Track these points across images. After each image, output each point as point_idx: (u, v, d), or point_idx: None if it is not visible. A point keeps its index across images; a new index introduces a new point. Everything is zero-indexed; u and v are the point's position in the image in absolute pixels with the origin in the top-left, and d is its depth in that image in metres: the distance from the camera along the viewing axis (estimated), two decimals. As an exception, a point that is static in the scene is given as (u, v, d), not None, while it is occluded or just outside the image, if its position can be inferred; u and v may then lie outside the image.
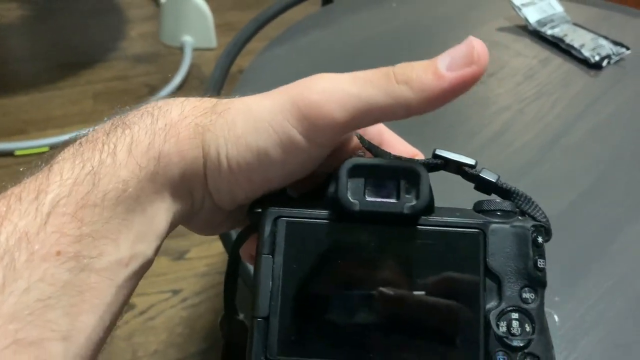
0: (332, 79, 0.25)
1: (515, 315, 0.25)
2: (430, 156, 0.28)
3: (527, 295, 0.25)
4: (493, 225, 0.26)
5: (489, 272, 0.25)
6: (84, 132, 0.25)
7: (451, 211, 0.26)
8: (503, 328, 0.24)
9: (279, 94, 0.25)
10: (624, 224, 0.58)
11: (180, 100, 0.27)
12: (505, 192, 0.28)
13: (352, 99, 0.24)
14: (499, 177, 0.28)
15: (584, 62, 0.84)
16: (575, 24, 0.91)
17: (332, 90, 0.24)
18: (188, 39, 1.80)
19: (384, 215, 0.25)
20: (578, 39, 0.87)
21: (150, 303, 1.12)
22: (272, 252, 0.25)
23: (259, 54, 0.84)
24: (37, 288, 0.21)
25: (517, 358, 0.24)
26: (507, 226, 0.26)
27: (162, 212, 0.25)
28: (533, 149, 0.66)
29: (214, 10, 1.84)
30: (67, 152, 0.24)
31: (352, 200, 0.25)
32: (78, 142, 0.25)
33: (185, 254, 1.21)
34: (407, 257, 0.25)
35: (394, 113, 0.24)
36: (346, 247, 0.25)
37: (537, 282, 0.25)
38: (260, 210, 0.26)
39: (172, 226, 0.26)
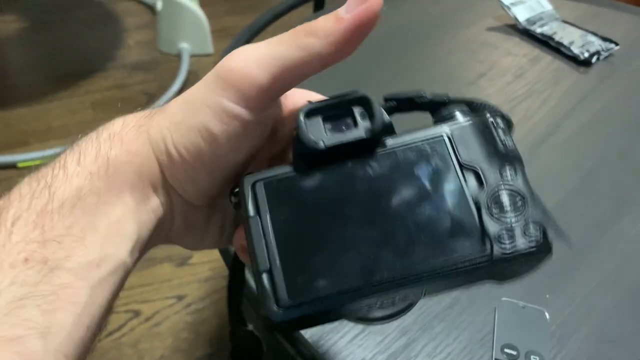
0: (249, 48, 0.27)
1: (503, 194, 0.25)
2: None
3: (507, 173, 0.26)
4: (454, 126, 0.27)
5: (465, 167, 0.26)
6: None
7: (412, 130, 0.28)
8: (496, 210, 0.25)
9: (207, 74, 0.27)
10: (612, 221, 0.59)
11: (123, 116, 0.29)
12: (460, 101, 0.30)
13: (267, 59, 0.26)
14: (447, 93, 0.30)
15: (574, 59, 0.85)
16: (565, 21, 0.92)
17: (249, 56, 0.26)
18: (185, 46, 1.82)
19: (349, 146, 0.26)
20: (567, 36, 0.88)
21: (155, 309, 1.13)
22: (258, 213, 0.26)
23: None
24: (9, 291, 0.22)
25: (521, 230, 0.25)
26: (467, 123, 0.27)
27: (127, 214, 0.26)
28: (522, 149, 0.67)
29: (209, 16, 1.85)
30: (24, 178, 0.26)
31: (315, 140, 0.26)
32: (34, 170, 0.27)
33: (188, 259, 1.22)
34: (384, 178, 0.26)
35: (310, 65, 0.26)
36: (324, 185, 0.26)
37: (512, 159, 0.26)
38: (237, 189, 0.28)
39: (146, 229, 0.27)
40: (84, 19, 1.97)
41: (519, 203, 0.25)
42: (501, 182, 0.26)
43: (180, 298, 1.16)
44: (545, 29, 0.89)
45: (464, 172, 0.26)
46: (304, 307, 0.25)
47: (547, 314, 0.50)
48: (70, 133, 1.53)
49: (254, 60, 0.26)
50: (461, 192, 0.26)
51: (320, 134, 0.27)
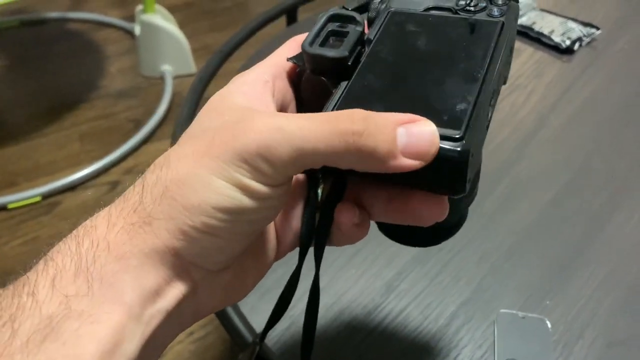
0: (276, 119, 0.24)
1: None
2: None
3: None
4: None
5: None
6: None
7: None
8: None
9: (217, 138, 0.24)
10: (608, 215, 0.57)
11: (106, 209, 0.25)
12: None
13: (297, 141, 0.24)
14: None
15: (556, 49, 0.83)
16: (543, 10, 0.90)
17: (276, 128, 0.24)
18: (167, 68, 1.80)
19: None
20: (547, 25, 0.86)
21: (158, 341, 1.11)
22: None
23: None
24: None
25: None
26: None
27: (125, 328, 0.22)
28: (510, 147, 0.65)
29: (190, 34, 1.83)
30: None
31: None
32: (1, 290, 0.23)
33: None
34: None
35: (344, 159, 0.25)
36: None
37: None
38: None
39: (151, 332, 0.24)
40: (64, 51, 1.95)
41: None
42: None
43: (182, 327, 1.13)
44: (524, 20, 0.87)
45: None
46: (469, 123, 0.25)
47: (548, 322, 0.47)
48: (59, 169, 1.51)
49: (281, 137, 0.23)
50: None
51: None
